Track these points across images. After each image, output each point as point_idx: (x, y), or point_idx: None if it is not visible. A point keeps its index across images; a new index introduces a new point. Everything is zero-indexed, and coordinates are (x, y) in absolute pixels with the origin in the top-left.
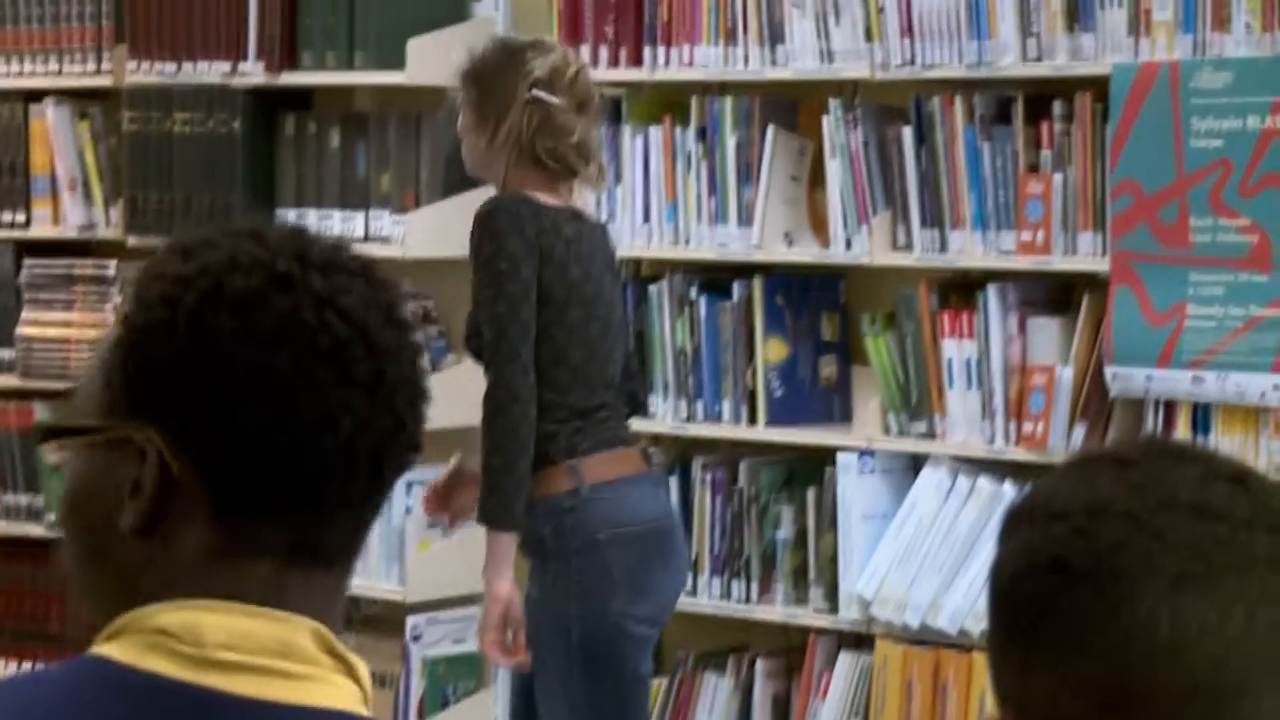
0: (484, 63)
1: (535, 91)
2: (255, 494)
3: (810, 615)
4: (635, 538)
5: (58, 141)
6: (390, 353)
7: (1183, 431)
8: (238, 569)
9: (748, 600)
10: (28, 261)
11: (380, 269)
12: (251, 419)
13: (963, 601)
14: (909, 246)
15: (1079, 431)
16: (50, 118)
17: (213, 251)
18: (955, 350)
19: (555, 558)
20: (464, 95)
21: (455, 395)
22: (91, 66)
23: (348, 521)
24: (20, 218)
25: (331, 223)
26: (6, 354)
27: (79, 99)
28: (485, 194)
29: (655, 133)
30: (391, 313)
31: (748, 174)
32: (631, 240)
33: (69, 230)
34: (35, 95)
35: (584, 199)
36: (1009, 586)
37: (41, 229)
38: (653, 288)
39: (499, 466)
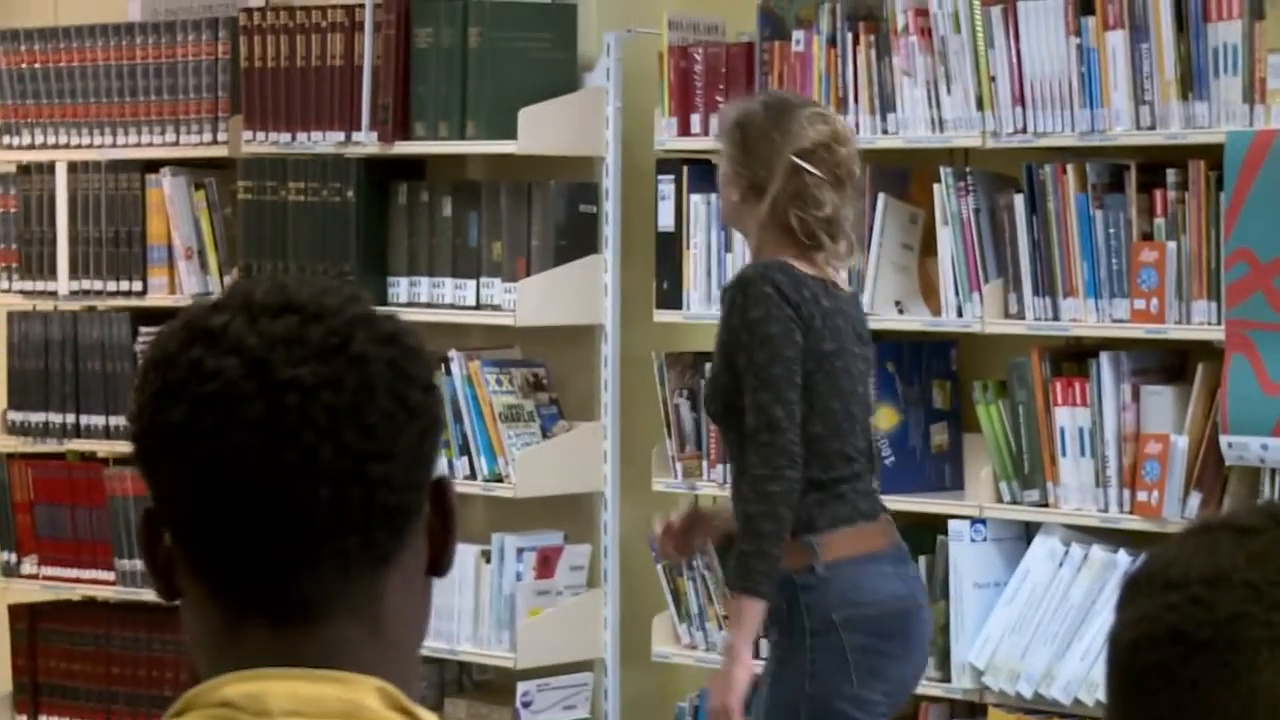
0: (752, 120)
1: (796, 160)
2: (206, 552)
3: (922, 684)
4: (872, 619)
5: (174, 211)
6: (299, 387)
7: None
8: (233, 633)
9: None
10: (144, 330)
11: (360, 308)
12: (165, 475)
13: (1077, 671)
14: (1021, 314)
15: (1194, 500)
16: (167, 187)
17: (181, 315)
18: (1068, 418)
19: (790, 633)
20: (725, 145)
21: (564, 461)
22: (207, 137)
23: (321, 571)
24: (137, 286)
25: (443, 290)
26: (123, 421)
27: (195, 169)
28: (593, 262)
29: None
30: (322, 347)
31: (859, 241)
32: None
33: (184, 299)
34: (152, 165)
35: (837, 272)
36: (1126, 656)
37: (158, 297)
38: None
39: (772, 533)
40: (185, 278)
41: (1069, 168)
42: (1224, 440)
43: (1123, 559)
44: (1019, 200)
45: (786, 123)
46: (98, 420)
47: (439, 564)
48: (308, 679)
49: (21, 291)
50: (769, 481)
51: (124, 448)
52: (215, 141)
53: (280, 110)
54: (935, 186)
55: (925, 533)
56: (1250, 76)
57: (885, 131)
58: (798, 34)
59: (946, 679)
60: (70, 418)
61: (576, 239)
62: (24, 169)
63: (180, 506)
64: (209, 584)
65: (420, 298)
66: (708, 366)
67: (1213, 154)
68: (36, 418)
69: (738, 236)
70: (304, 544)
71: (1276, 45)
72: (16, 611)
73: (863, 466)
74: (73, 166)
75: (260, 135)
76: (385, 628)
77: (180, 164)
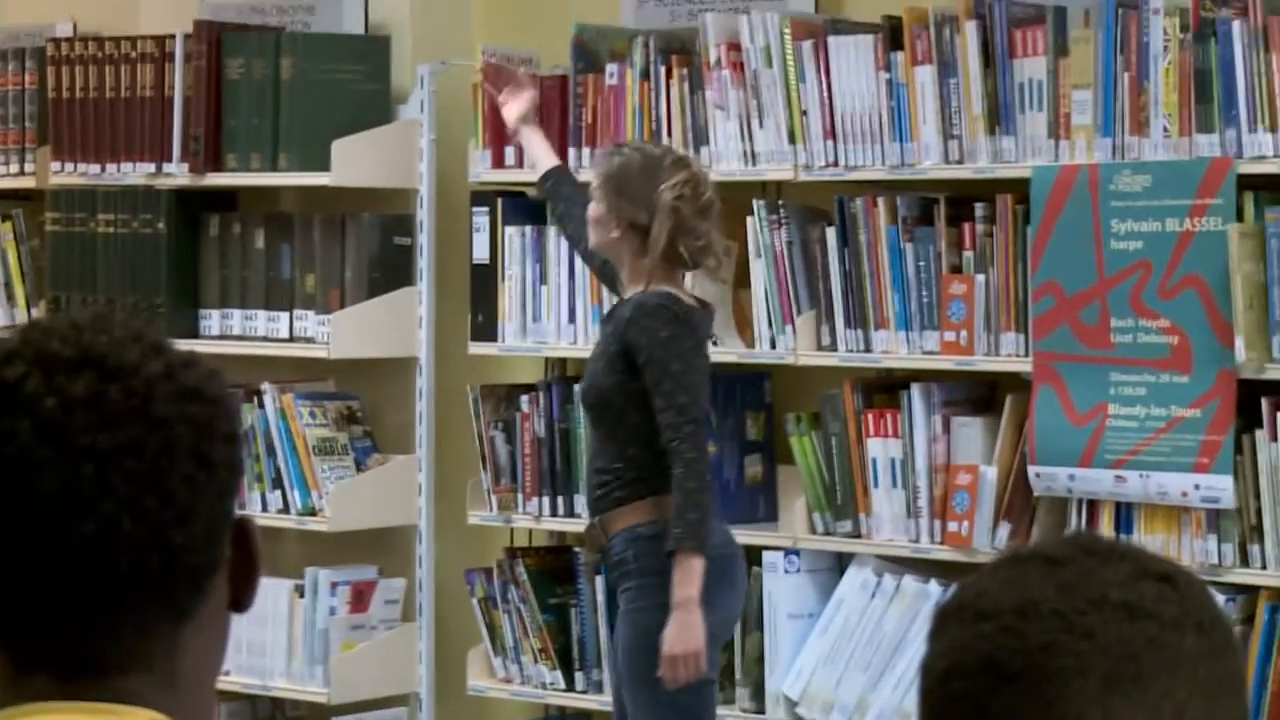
0: (628, 167)
1: (671, 200)
2: None
3: (737, 715)
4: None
5: None
6: (97, 455)
7: (1106, 530)
8: (18, 681)
9: None
10: None
11: (159, 362)
12: None
13: (889, 700)
14: (833, 346)
15: (1003, 531)
16: None
17: None
18: (880, 450)
19: (639, 576)
20: (602, 188)
21: (378, 494)
22: (15, 168)
23: (117, 632)
24: None
25: (256, 323)
26: None
27: (2, 200)
28: (408, 295)
29: None
30: (121, 410)
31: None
32: (558, 340)
33: None
34: None
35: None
36: (939, 686)
37: None
38: (578, 387)
39: (709, 504)
40: None
41: (879, 201)
42: (1032, 471)
43: (934, 589)
44: (831, 233)
45: (657, 170)
46: None
47: (241, 602)
48: (78, 712)
49: None
50: (701, 463)
51: None
52: (23, 172)
53: (90, 141)
54: (748, 219)
55: None
56: (1055, 112)
57: None
58: (611, 67)
59: (760, 710)
60: None
61: (391, 271)
62: None
63: None
64: None
65: (233, 330)
66: (524, 399)
67: (1019, 188)
68: None
69: (553, 269)
70: (98, 609)
71: (1080, 81)
72: None
73: None
74: None
75: (69, 166)
76: (181, 675)
77: None
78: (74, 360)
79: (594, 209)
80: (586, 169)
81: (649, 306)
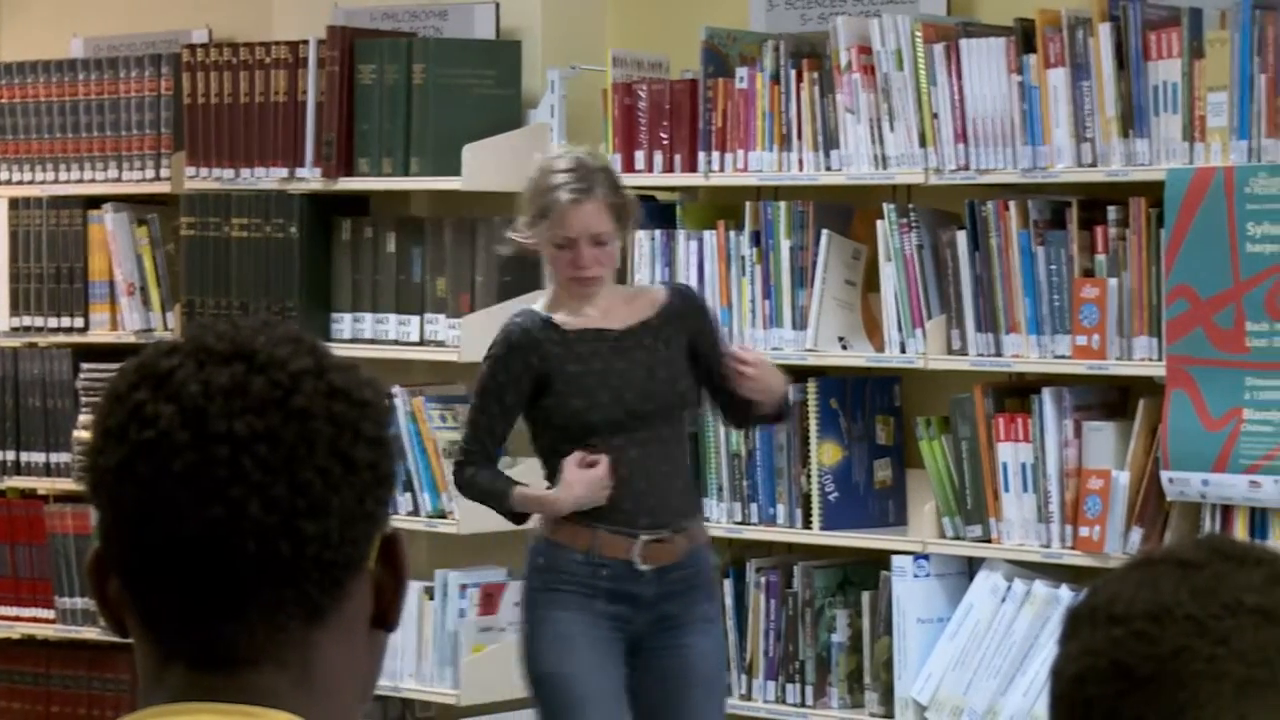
0: (616, 178)
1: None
2: (136, 594)
3: (865, 719)
4: None
5: (116, 247)
6: (232, 439)
7: (1240, 536)
8: (162, 674)
9: (803, 704)
10: (85, 366)
11: (310, 359)
12: (104, 518)
13: (1020, 706)
14: (964, 350)
15: (1135, 535)
16: (109, 224)
17: (142, 352)
18: (1011, 454)
19: (711, 586)
20: (620, 219)
21: None
22: (150, 173)
23: (248, 622)
24: (79, 322)
25: (387, 327)
26: (64, 458)
27: (137, 205)
28: (538, 298)
29: (710, 237)
30: (262, 399)
31: (802, 278)
32: None
33: (126, 335)
34: (94, 201)
35: None
36: (1069, 689)
37: (99, 334)
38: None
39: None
40: (127, 314)
41: (1011, 205)
42: (1165, 476)
43: (1065, 594)
44: (961, 237)
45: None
46: (38, 457)
47: (386, 619)
48: (216, 713)
49: None
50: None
51: (65, 485)
52: (158, 178)
53: (223, 146)
54: (878, 223)
55: (869, 568)
56: (1190, 114)
57: (828, 168)
58: (741, 71)
59: (889, 714)
60: (10, 455)
61: (520, 275)
62: None
63: (114, 548)
64: (143, 624)
65: (364, 334)
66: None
67: (1153, 191)
68: None
69: (681, 272)
70: (229, 596)
71: (1215, 83)
72: None
73: None
74: (14, 203)
75: (203, 171)
76: (316, 678)
77: (122, 200)
78: (226, 353)
79: (611, 247)
80: (716, 175)
81: (690, 288)
